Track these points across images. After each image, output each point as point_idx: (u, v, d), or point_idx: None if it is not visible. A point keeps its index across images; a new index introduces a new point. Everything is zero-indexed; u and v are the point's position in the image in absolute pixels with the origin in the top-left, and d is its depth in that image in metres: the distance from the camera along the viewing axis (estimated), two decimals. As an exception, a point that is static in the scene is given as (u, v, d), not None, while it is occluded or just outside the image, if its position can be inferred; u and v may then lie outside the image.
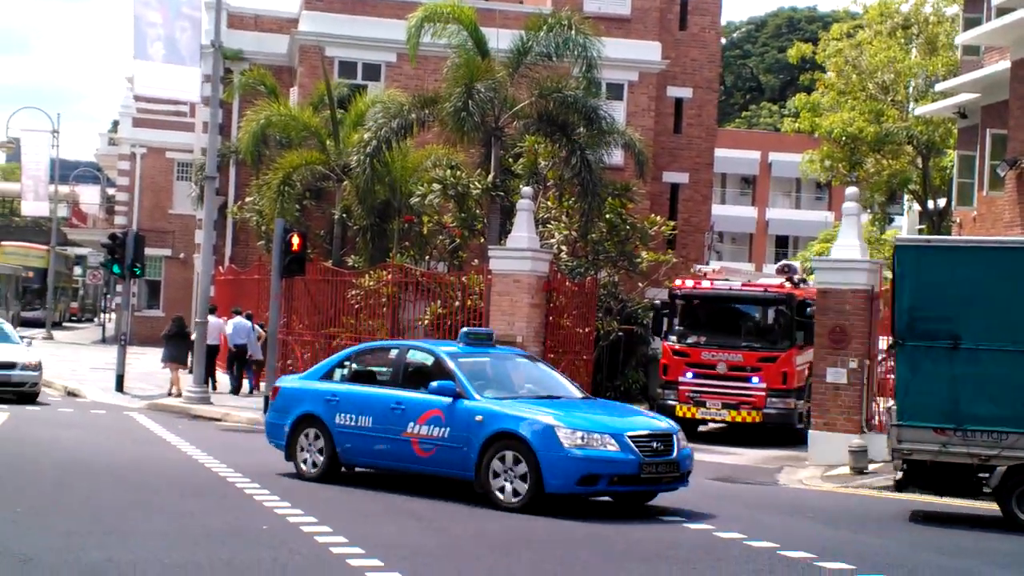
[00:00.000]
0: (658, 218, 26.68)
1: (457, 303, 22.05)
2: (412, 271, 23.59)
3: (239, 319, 25.37)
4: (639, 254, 25.00)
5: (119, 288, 33.29)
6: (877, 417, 18.17)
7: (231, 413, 21.38)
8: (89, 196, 65.34)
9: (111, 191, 58.76)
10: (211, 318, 24.93)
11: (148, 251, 33.62)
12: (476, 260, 24.72)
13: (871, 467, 16.66)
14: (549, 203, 24.91)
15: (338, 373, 13.81)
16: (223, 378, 25.96)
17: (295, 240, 21.07)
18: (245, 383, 25.60)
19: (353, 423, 12.97)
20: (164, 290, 45.71)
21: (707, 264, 28.04)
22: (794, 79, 63.43)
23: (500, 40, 24.60)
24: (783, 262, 24.34)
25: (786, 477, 16.93)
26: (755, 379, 20.56)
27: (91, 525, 9.98)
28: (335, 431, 13.08)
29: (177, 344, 24.55)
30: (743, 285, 21.82)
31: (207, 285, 23.64)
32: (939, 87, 31.73)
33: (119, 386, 24.85)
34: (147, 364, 29.58)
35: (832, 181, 43.70)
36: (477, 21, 24.30)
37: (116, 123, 60.55)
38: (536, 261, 21.06)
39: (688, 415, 20.88)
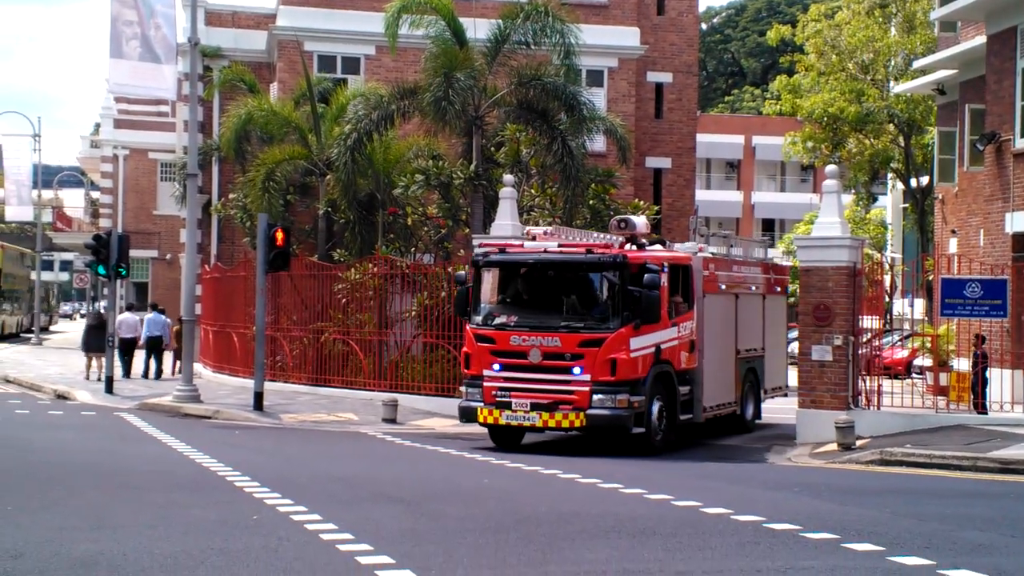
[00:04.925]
0: (642, 203, 26.80)
1: (444, 294, 22.12)
2: (398, 263, 23.65)
3: (154, 313, 29.18)
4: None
5: (106, 291, 33.28)
6: (864, 394, 18.33)
7: (221, 410, 21.41)
8: (73, 200, 65.26)
9: (95, 194, 58.69)
10: (128, 314, 29.48)
11: (134, 253, 33.60)
12: (461, 251, 24.80)
13: (858, 443, 16.80)
14: (532, 191, 24.99)
15: None
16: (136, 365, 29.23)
17: (279, 235, 21.10)
18: (152, 367, 29.01)
19: None
20: (152, 291, 45.64)
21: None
22: (775, 62, 63.53)
23: (478, 29, 24.68)
24: (620, 216, 18.59)
25: (775, 455, 17.06)
26: (576, 369, 15.94)
27: (81, 520, 10.01)
28: None
29: (97, 335, 27.53)
30: (562, 246, 16.95)
31: (192, 284, 23.65)
32: (917, 64, 31.88)
33: (108, 388, 24.87)
34: (137, 365, 29.59)
35: (815, 162, 43.91)
36: (455, 10, 24.40)
37: (98, 126, 60.43)
38: (520, 249, 21.06)
39: (490, 420, 16.46)
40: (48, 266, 61.75)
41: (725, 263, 19.47)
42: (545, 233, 17.80)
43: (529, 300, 16.92)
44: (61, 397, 25.03)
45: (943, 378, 20.65)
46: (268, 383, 22.49)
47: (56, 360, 35.28)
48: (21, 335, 51.13)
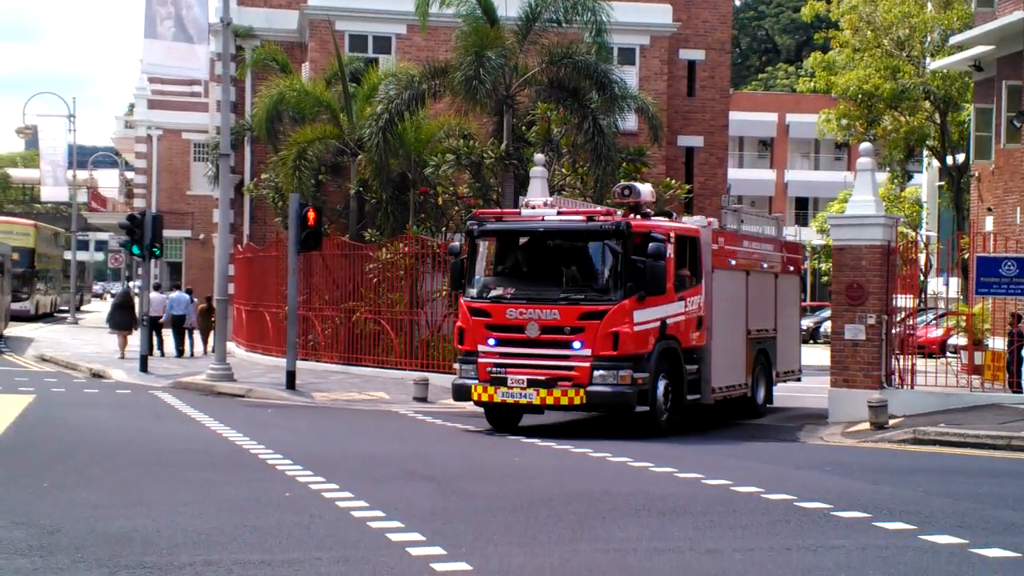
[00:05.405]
0: (673, 182, 26.68)
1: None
2: (428, 243, 23.68)
3: (178, 293, 30.18)
4: (655, 218, 24.94)
5: (140, 271, 33.60)
6: (897, 373, 18.21)
7: (254, 389, 21.57)
8: (108, 180, 65.76)
9: (129, 175, 59.06)
10: (154, 293, 29.61)
11: (168, 233, 33.92)
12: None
13: (891, 422, 16.71)
14: (563, 170, 24.93)
15: None
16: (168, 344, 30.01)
17: (310, 215, 21.16)
18: (182, 345, 29.74)
19: None
20: (185, 271, 46.01)
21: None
22: (809, 39, 62.97)
23: (509, 7, 24.59)
24: (624, 183, 17.62)
25: (807, 434, 16.99)
26: (576, 344, 15.12)
27: (116, 497, 10.14)
28: None
29: (123, 313, 28.87)
30: (561, 214, 16.19)
31: (225, 264, 23.79)
32: (954, 40, 31.46)
33: (143, 366, 25.10)
34: (171, 345, 29.85)
35: (850, 140, 43.52)
36: (485, -12, 24.27)
37: (132, 106, 60.85)
38: (551, 228, 20.97)
39: (485, 398, 15.66)
40: (84, 246, 62.28)
41: (736, 238, 18.43)
42: (545, 204, 16.76)
43: (527, 271, 16.09)
44: (96, 376, 25.31)
45: (978, 357, 20.49)
46: (300, 362, 22.63)
47: (91, 339, 35.64)
48: (55, 314, 51.68)
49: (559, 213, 16.14)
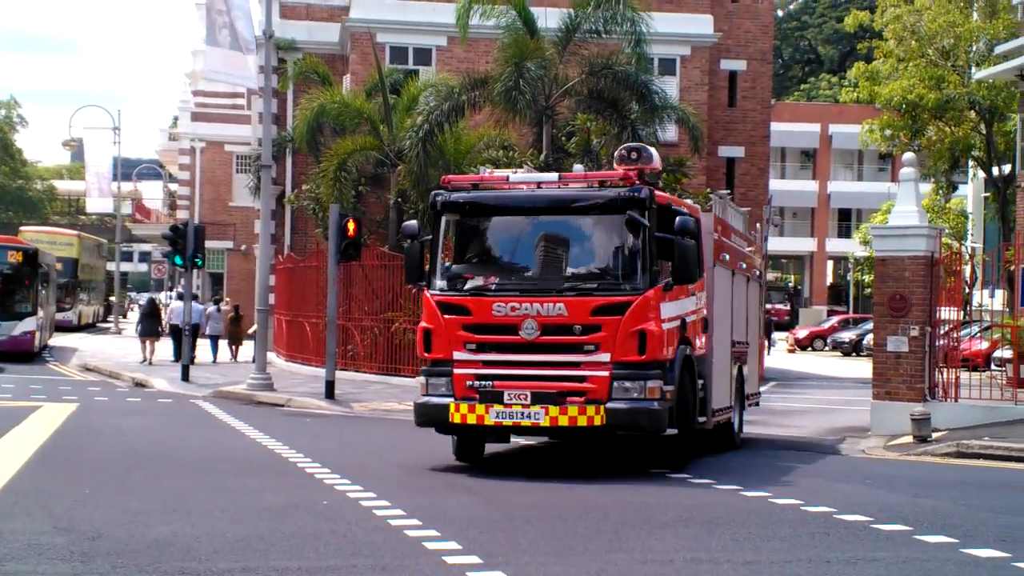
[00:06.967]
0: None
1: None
2: (468, 253, 23.67)
3: (192, 303, 29.75)
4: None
5: (183, 281, 33.96)
6: (941, 386, 17.98)
7: (294, 398, 21.69)
8: (152, 192, 66.48)
9: (173, 186, 59.69)
10: (176, 303, 31.00)
11: (210, 244, 34.17)
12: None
13: (934, 435, 16.50)
14: (603, 181, 24.90)
15: None
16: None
17: (350, 225, 21.27)
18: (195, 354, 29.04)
19: None
20: (227, 282, 46.36)
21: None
22: (853, 49, 62.53)
23: (549, 19, 24.67)
24: (629, 144, 14.13)
25: (848, 447, 16.81)
26: (590, 346, 11.81)
27: (156, 504, 10.22)
28: None
29: (150, 321, 30.34)
30: (564, 180, 12.72)
31: (266, 274, 23.97)
32: (999, 50, 31.18)
33: (184, 376, 25.31)
34: (210, 354, 30.14)
35: (894, 151, 43.19)
36: (526, 0, 24.35)
37: (175, 119, 61.50)
38: (590, 238, 20.85)
39: (471, 420, 12.01)
40: (127, 257, 62.93)
41: (728, 230, 15.26)
42: (526, 171, 13.67)
43: (515, 255, 12.68)
44: (139, 385, 25.54)
45: (1023, 370, 20.17)
46: (339, 372, 22.71)
47: (134, 349, 35.89)
48: (97, 325, 52.14)
49: (561, 178, 12.84)
